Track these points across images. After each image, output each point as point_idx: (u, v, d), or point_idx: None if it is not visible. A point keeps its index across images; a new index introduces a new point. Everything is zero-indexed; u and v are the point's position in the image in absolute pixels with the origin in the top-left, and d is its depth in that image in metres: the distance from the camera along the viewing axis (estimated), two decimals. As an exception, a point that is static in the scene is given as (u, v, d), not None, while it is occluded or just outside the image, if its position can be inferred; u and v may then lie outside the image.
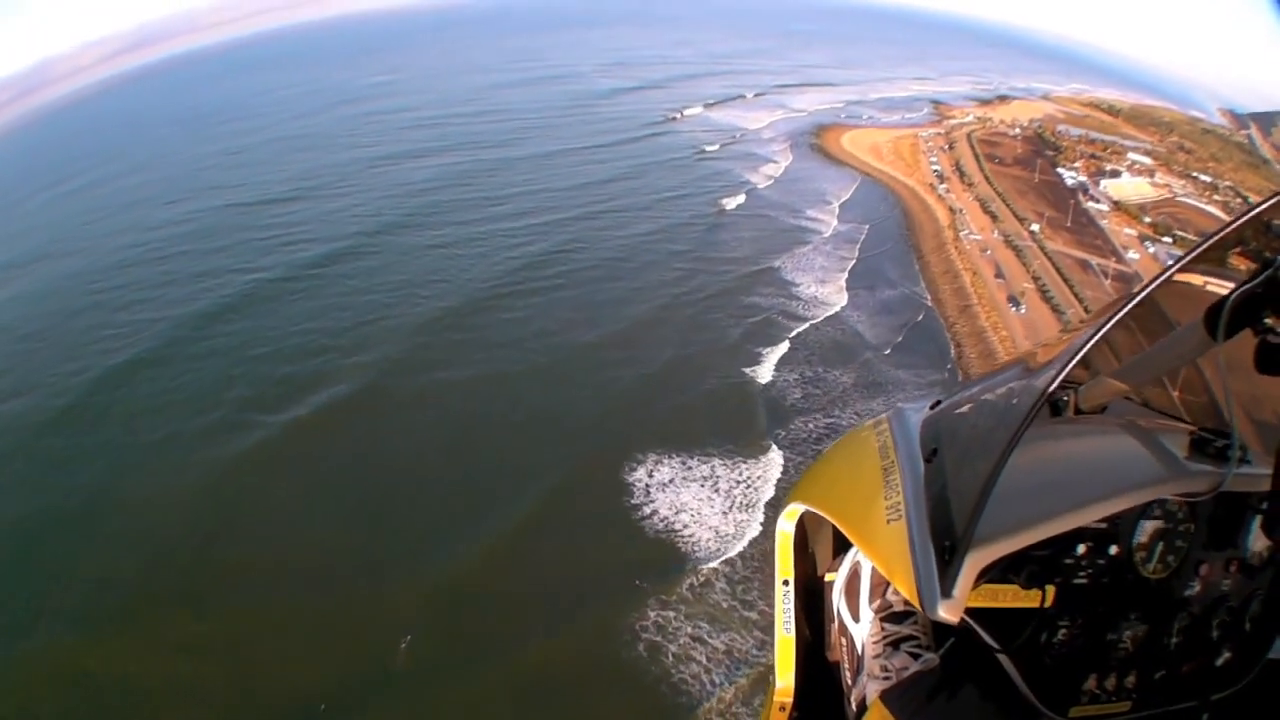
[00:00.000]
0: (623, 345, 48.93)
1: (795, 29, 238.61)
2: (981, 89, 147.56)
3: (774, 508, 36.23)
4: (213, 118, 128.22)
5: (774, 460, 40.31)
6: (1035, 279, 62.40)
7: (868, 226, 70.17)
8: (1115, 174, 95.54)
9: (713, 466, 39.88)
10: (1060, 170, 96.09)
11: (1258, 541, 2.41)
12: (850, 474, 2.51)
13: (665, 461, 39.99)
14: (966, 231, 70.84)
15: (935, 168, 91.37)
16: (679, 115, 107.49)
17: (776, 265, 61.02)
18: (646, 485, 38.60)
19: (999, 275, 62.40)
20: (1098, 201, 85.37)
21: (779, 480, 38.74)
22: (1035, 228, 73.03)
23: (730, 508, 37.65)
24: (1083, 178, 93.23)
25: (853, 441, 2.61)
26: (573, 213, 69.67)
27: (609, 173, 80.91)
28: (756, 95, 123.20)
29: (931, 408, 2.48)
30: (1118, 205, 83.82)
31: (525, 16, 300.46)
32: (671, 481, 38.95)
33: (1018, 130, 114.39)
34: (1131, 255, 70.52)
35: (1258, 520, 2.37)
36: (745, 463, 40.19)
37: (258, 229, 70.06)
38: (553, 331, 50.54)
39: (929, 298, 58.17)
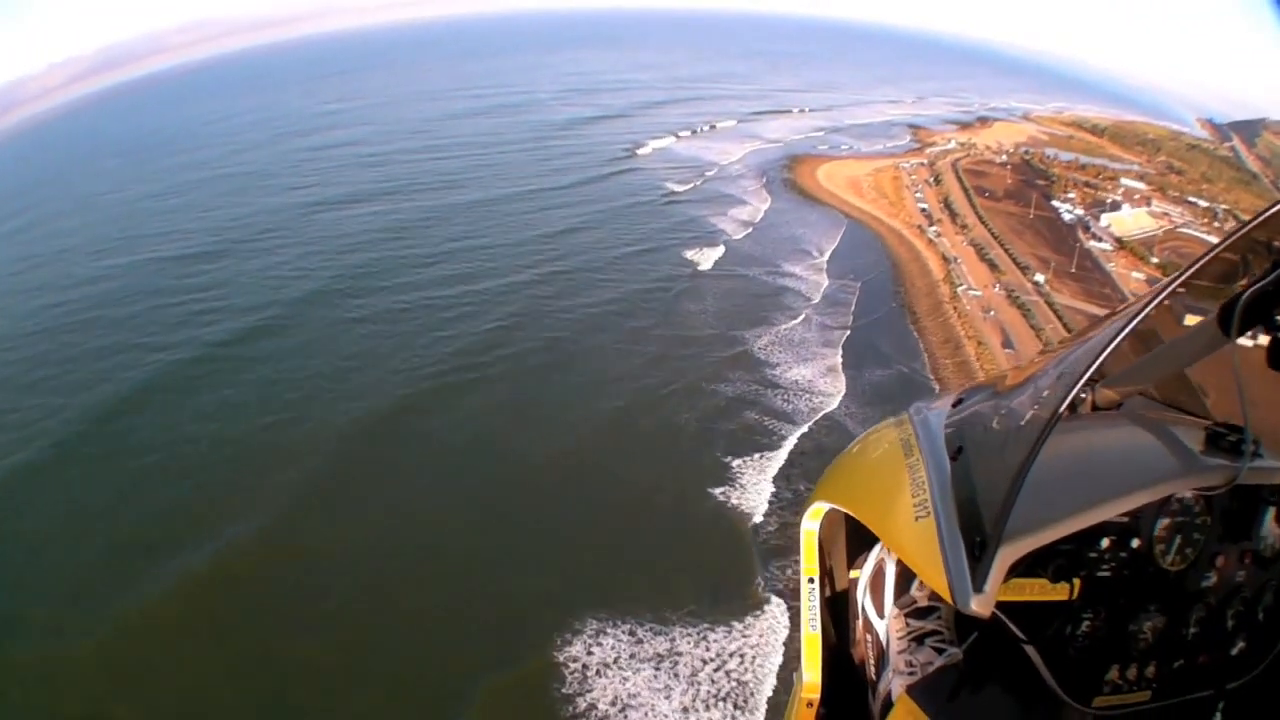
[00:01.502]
0: (569, 468, 38.68)
1: (761, 49, 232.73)
2: (960, 110, 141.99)
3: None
4: (161, 149, 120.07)
5: (754, 628, 31.22)
6: (1047, 346, 53.81)
7: (859, 285, 60.96)
8: (1115, 207, 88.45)
9: (672, 640, 30.71)
10: (1055, 203, 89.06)
11: (1271, 533, 2.41)
12: (874, 472, 2.52)
13: (610, 631, 30.87)
14: (965, 286, 62.37)
15: (922, 205, 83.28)
16: (644, 149, 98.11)
17: (760, 345, 51.03)
18: (583, 666, 29.53)
19: (1007, 344, 53.62)
20: (1100, 240, 78.15)
21: (778, 668, 29.31)
22: (1040, 279, 64.81)
23: (694, 701, 28.67)
24: (1080, 211, 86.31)
25: (875, 440, 2.60)
26: (520, 276, 59.76)
27: (564, 222, 70.99)
28: (725, 124, 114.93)
29: (953, 406, 2.49)
30: (1121, 244, 76.66)
31: (488, 36, 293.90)
32: (616, 661, 29.86)
33: (1004, 157, 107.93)
34: (1146, 305, 62.29)
35: (1271, 512, 2.39)
36: (715, 631, 30.98)
37: (177, 293, 60.77)
38: (485, 448, 40.32)
39: (933, 378, 48.93)
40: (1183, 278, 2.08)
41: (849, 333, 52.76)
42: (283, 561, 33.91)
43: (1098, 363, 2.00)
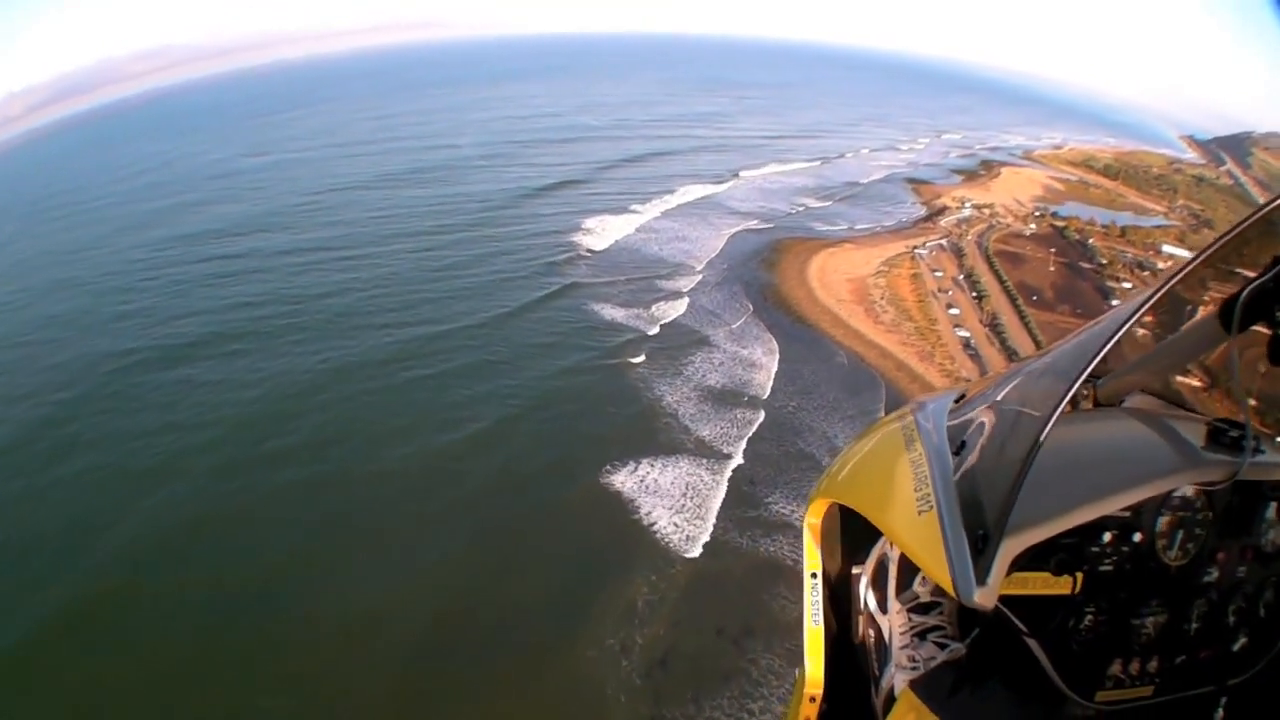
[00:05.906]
0: None
1: (728, 78, 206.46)
2: (959, 153, 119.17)
3: None
4: (48, 217, 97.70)
5: None
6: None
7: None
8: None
9: None
10: (1116, 303, 64.00)
11: (1272, 529, 2.35)
12: (877, 467, 2.41)
13: None
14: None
15: (962, 334, 57.87)
16: (587, 241, 70.48)
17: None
18: None
19: None
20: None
21: None
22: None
23: None
24: (1150, 317, 61.86)
25: (877, 435, 2.51)
26: (361, 595, 30.95)
27: (453, 423, 42.08)
28: (691, 192, 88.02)
29: (956, 401, 2.40)
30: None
31: (440, 65, 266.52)
32: None
33: (1032, 226, 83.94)
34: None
35: (1272, 508, 2.33)
36: None
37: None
38: None
39: None
40: (1183, 274, 1.99)
41: None
42: None
43: (1098, 358, 1.89)
